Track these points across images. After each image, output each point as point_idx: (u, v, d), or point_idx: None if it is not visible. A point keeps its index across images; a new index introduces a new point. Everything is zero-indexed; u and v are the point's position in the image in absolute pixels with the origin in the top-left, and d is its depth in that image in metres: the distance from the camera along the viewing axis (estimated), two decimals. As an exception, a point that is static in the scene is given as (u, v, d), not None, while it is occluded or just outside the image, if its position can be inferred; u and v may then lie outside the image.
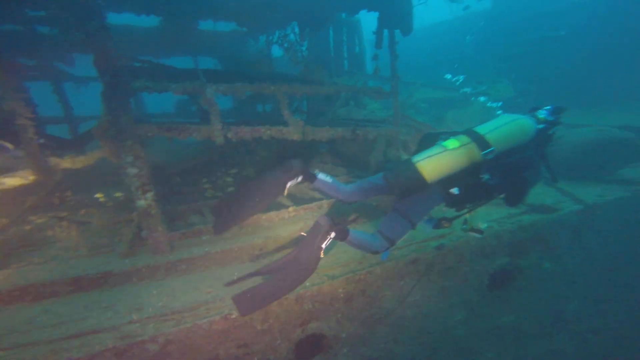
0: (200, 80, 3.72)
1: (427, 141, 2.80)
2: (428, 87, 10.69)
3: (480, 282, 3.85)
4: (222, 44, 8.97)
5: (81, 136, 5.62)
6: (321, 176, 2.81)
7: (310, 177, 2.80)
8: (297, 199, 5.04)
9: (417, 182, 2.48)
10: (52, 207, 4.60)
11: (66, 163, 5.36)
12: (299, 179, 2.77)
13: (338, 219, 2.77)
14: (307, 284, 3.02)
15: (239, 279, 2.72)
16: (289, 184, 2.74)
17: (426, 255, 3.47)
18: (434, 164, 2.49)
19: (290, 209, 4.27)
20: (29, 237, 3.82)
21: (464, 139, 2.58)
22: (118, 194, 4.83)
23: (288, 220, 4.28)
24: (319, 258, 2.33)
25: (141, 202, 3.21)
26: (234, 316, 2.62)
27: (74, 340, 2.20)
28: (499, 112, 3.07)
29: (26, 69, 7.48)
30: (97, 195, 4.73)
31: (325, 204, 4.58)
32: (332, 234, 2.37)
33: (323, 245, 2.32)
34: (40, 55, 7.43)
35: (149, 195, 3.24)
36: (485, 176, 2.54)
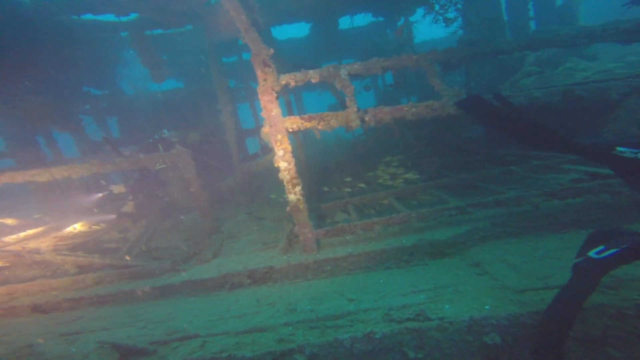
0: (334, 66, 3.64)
1: None
2: None
3: None
4: (362, 39, 8.77)
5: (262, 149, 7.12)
6: None
7: None
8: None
9: None
10: (247, 205, 5.93)
11: (252, 167, 6.79)
12: None
13: None
14: (488, 306, 2.32)
15: None
16: None
17: None
18: None
19: (451, 204, 3.47)
20: (236, 230, 5.00)
21: None
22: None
23: (448, 220, 3.49)
24: None
25: (291, 197, 3.46)
26: (378, 336, 2.35)
27: (248, 336, 2.60)
28: None
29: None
30: (272, 196, 5.67)
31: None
32: None
33: None
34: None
35: (298, 189, 3.45)
36: None
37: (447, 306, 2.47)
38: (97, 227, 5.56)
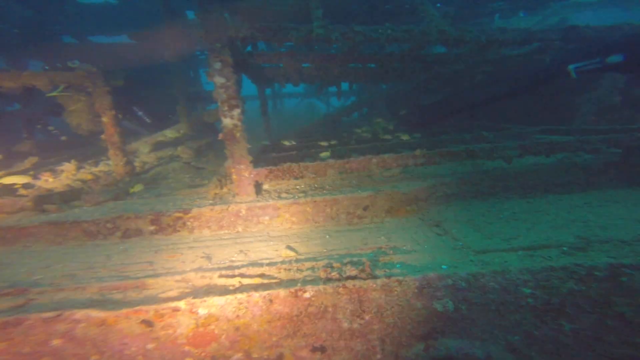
0: None
1: None
2: None
3: None
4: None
5: None
6: None
7: None
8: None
9: None
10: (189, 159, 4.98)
11: (203, 118, 5.88)
12: None
13: None
14: (446, 265, 1.82)
15: None
16: None
17: None
18: None
19: (418, 151, 2.88)
20: (162, 176, 4.08)
21: None
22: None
23: (413, 171, 2.93)
24: None
25: (226, 121, 2.64)
26: (307, 294, 1.68)
27: (108, 294, 1.81)
28: None
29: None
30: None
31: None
32: None
33: None
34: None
35: (236, 112, 2.64)
36: None
37: (397, 265, 1.93)
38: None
